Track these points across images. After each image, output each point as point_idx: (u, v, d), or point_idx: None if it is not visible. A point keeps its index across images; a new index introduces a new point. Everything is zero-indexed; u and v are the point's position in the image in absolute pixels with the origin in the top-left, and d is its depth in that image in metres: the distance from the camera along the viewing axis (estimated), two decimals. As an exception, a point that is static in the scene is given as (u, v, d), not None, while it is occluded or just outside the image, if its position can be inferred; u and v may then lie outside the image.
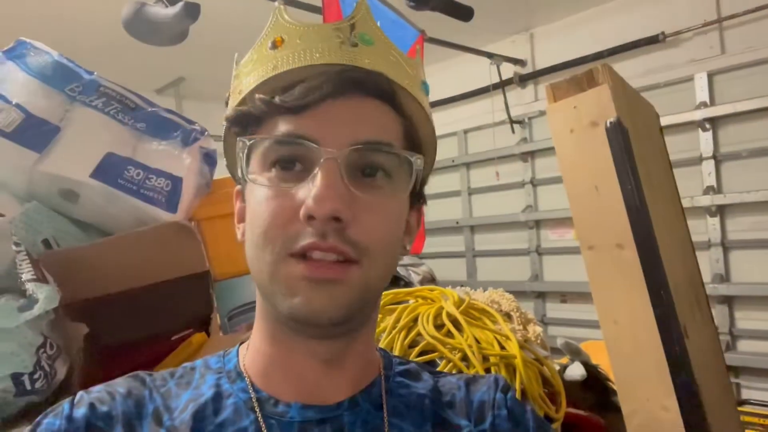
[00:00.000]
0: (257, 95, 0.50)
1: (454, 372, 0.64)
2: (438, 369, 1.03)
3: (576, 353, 1.21)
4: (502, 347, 1.10)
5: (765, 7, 2.46)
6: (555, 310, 3.27)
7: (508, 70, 3.36)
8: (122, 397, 0.50)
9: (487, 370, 1.05)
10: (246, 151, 0.49)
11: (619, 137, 0.94)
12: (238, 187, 0.55)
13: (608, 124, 0.95)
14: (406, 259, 3.03)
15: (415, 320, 1.17)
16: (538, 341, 1.24)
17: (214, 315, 0.83)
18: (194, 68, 3.53)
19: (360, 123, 0.49)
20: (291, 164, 0.48)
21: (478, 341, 1.10)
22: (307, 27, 0.51)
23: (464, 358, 1.06)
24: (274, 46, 0.51)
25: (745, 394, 2.56)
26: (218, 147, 0.75)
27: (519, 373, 1.04)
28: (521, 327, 1.26)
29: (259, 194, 0.48)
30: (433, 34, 2.76)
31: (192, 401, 0.51)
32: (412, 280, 3.29)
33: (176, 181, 0.79)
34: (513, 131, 3.32)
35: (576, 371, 1.17)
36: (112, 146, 0.77)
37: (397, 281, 2.43)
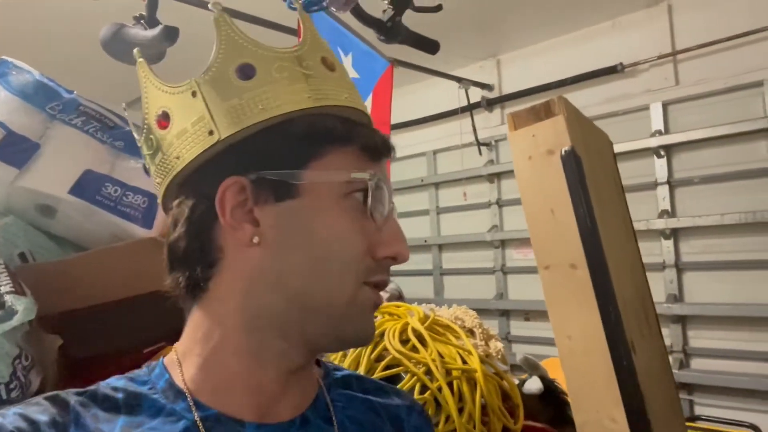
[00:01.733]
0: (359, 128, 0.54)
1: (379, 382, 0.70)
2: (402, 382, 1.08)
3: (534, 368, 1.27)
4: (465, 362, 1.15)
5: (716, 42, 2.62)
6: (519, 327, 3.34)
7: (476, 94, 3.47)
8: (47, 427, 0.45)
9: (450, 384, 1.09)
10: (373, 186, 0.52)
11: (572, 165, 1.01)
12: (237, 178, 0.49)
13: (563, 153, 1.02)
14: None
15: (382, 335, 1.21)
16: (499, 356, 1.30)
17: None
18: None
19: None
20: (364, 202, 0.52)
21: (441, 356, 1.15)
22: (327, 57, 0.56)
23: (428, 371, 1.11)
24: (327, 66, 0.54)
25: (698, 410, 2.66)
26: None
27: (480, 387, 1.09)
28: (483, 342, 1.31)
29: (343, 219, 0.51)
30: (404, 58, 2.85)
31: (130, 429, 0.47)
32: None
33: (152, 198, 0.81)
34: (480, 153, 3.42)
35: (533, 385, 1.22)
36: (90, 164, 0.80)
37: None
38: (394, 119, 3.95)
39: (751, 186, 2.57)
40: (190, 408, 0.49)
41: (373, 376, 1.12)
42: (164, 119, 0.52)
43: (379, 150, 0.55)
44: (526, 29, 3.08)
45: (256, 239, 0.49)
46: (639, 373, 0.98)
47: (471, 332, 1.35)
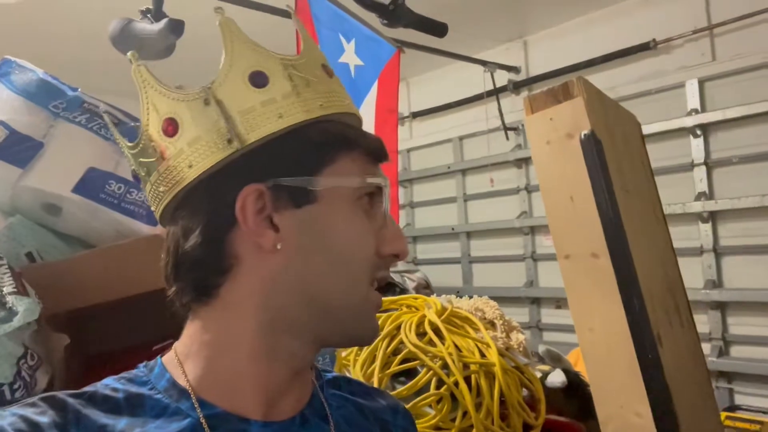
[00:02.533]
0: (362, 134, 0.56)
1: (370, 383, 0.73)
2: (418, 377, 1.06)
3: (557, 360, 1.23)
4: (483, 355, 1.11)
5: (754, 15, 2.48)
6: (550, 315, 3.28)
7: (502, 78, 3.39)
8: (48, 429, 0.44)
9: (467, 378, 1.07)
10: (386, 187, 0.55)
11: (592, 149, 0.96)
12: (257, 185, 0.49)
13: (582, 137, 0.97)
14: (401, 266, 3.05)
15: (398, 328, 1.19)
16: (521, 349, 1.26)
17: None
18: (179, 77, 3.56)
19: None
20: (369, 203, 0.55)
21: (459, 349, 1.12)
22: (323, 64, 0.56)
23: (444, 366, 1.08)
24: (327, 72, 0.56)
25: (738, 399, 2.56)
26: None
27: (498, 381, 1.06)
28: (504, 335, 1.28)
29: (356, 222, 0.53)
30: (427, 42, 2.80)
31: (134, 427, 0.47)
32: (407, 286, 3.31)
33: (157, 195, 0.80)
34: (507, 138, 3.35)
35: (557, 378, 1.18)
36: (94, 161, 0.80)
37: (392, 288, 2.45)
38: (419, 106, 3.91)
39: (795, 165, 2.44)
40: (194, 406, 0.49)
41: (389, 370, 1.10)
42: (171, 126, 0.51)
43: (379, 153, 0.56)
44: (553, 7, 2.98)
45: (279, 245, 0.50)
46: (666, 366, 0.93)
47: (492, 324, 1.32)
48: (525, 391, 1.12)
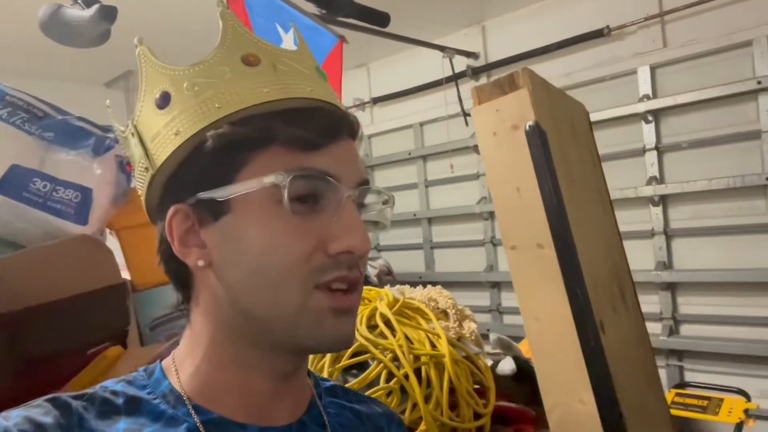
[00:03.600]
0: (275, 122, 0.49)
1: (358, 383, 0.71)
2: (369, 370, 1.05)
3: (508, 348, 1.25)
4: (434, 346, 1.12)
5: (703, 2, 2.54)
6: (510, 299, 3.33)
7: (462, 63, 3.38)
8: (53, 430, 0.45)
9: (417, 370, 1.07)
10: (287, 184, 0.47)
11: (537, 140, 0.97)
12: (179, 205, 0.50)
13: (527, 128, 0.98)
14: (363, 253, 3.04)
15: (350, 321, 1.18)
16: (473, 338, 1.27)
17: (131, 327, 0.82)
18: (143, 62, 3.44)
19: (358, 163, 0.54)
20: (306, 199, 0.49)
21: (410, 341, 1.12)
22: (281, 52, 0.53)
23: (395, 358, 1.08)
24: (249, 63, 0.51)
25: (688, 376, 2.67)
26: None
27: (447, 371, 1.06)
28: (456, 324, 1.28)
29: (273, 225, 0.48)
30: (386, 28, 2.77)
31: (133, 430, 0.47)
32: (369, 273, 3.30)
33: (86, 193, 0.77)
34: (467, 124, 3.35)
35: (506, 366, 1.20)
36: (16, 158, 0.75)
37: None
38: (380, 92, 3.88)
39: (740, 149, 2.52)
40: (190, 413, 0.50)
41: (339, 364, 1.09)
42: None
43: (315, 137, 0.50)
44: (510, -6, 2.98)
45: (200, 262, 0.50)
46: (609, 353, 0.95)
47: (445, 313, 1.32)
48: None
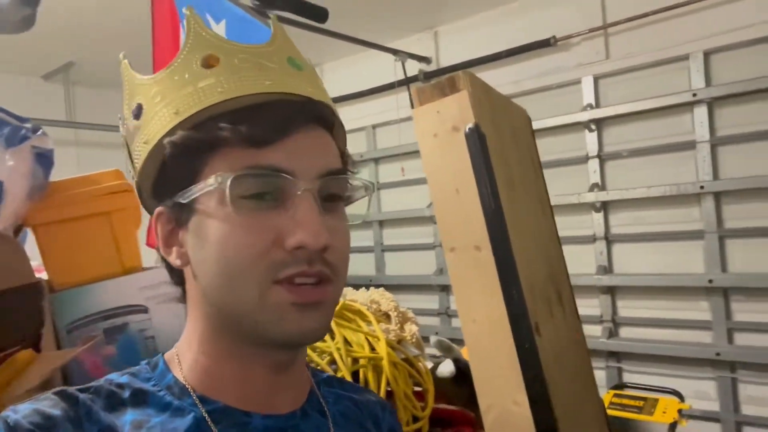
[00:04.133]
0: (221, 124, 0.49)
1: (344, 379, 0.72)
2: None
3: (447, 350, 1.25)
4: (373, 349, 1.11)
5: (645, 16, 2.64)
6: (458, 302, 3.36)
7: (414, 67, 3.40)
8: (63, 423, 0.45)
9: (355, 373, 1.05)
10: (229, 184, 0.48)
11: (477, 142, 0.97)
12: (161, 208, 0.53)
13: (467, 130, 0.98)
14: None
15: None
16: (413, 340, 1.26)
17: (45, 330, 0.77)
18: (85, 52, 3.30)
19: (323, 153, 0.53)
20: (262, 195, 0.49)
21: (349, 344, 1.11)
22: (243, 48, 0.52)
23: (333, 361, 1.06)
24: (208, 65, 0.51)
25: (626, 377, 2.76)
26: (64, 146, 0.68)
27: (385, 374, 1.05)
28: (398, 326, 1.28)
29: (228, 224, 0.49)
30: (338, 29, 2.75)
31: (139, 422, 0.48)
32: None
33: (-5, 187, 0.72)
34: (418, 128, 3.37)
35: (446, 368, 1.20)
36: None
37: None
38: (334, 93, 3.85)
39: (676, 159, 2.63)
40: (195, 403, 0.51)
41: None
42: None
43: (263, 133, 0.49)
44: (462, 0, 3.02)
45: (178, 261, 0.53)
46: (543, 355, 0.97)
47: (387, 316, 1.31)
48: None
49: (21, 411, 0.45)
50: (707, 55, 2.52)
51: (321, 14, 1.07)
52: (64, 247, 0.84)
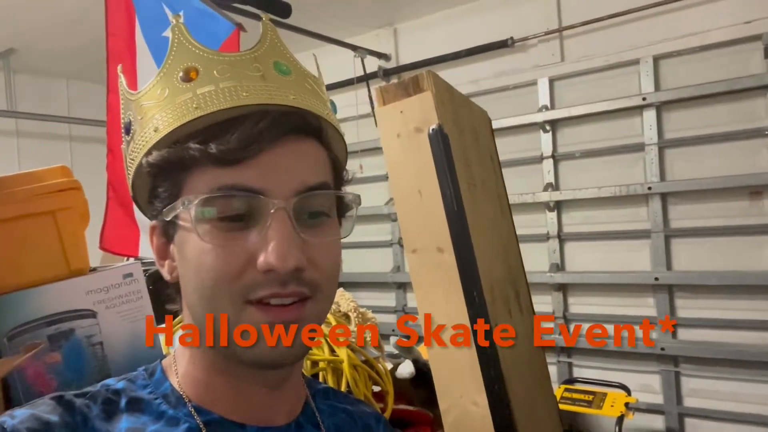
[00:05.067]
0: (191, 144, 0.48)
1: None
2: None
3: (407, 352, 1.24)
4: (333, 351, 1.09)
5: (598, 20, 2.71)
6: (415, 300, 3.38)
7: (373, 64, 3.39)
8: (59, 428, 0.45)
9: (315, 376, 1.04)
10: (193, 209, 0.47)
11: (440, 144, 0.97)
12: (154, 222, 0.54)
13: (430, 131, 0.97)
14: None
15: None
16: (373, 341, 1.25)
17: (-17, 337, 0.72)
18: (27, 38, 3.13)
19: (300, 168, 0.50)
20: (236, 216, 0.48)
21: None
22: (223, 58, 0.50)
23: (292, 364, 1.04)
24: (188, 78, 0.49)
25: (576, 372, 2.84)
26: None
27: (345, 377, 1.04)
28: (358, 327, 1.26)
29: (203, 243, 0.47)
30: (297, 23, 2.70)
31: (135, 431, 0.48)
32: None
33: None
34: (376, 125, 3.36)
35: (405, 369, 1.20)
36: None
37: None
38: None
39: (625, 160, 2.72)
40: (191, 413, 0.50)
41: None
42: None
43: (233, 152, 0.47)
44: (422, -2, 3.02)
45: (167, 275, 0.54)
46: (502, 356, 0.98)
47: (346, 317, 1.30)
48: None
49: (18, 416, 0.45)
50: (657, 60, 2.61)
51: (284, 9, 1.04)
52: (5, 248, 0.79)
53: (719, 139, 2.49)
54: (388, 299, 3.43)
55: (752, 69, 2.40)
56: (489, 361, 0.95)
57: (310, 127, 0.51)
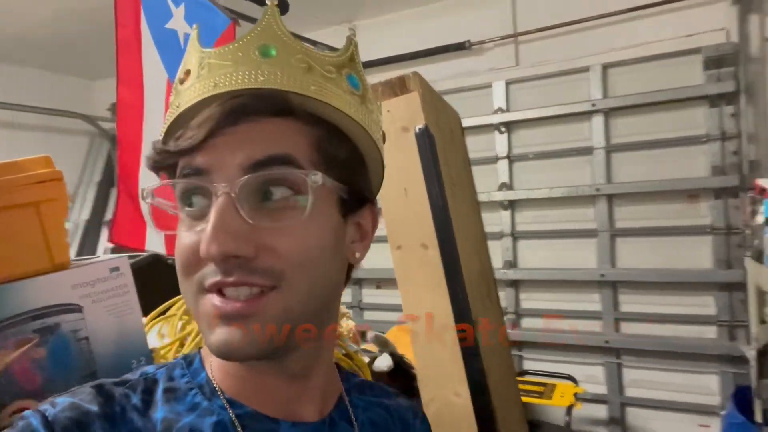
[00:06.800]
0: (164, 144, 0.49)
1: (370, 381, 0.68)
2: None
3: (384, 345, 1.27)
4: (314, 345, 1.10)
5: (552, 28, 2.82)
6: (370, 296, 3.41)
7: (331, 60, 3.38)
8: (98, 419, 0.45)
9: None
10: (148, 198, 0.49)
11: (426, 143, 1.00)
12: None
13: (417, 131, 1.00)
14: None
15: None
16: (351, 335, 1.27)
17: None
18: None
19: (251, 146, 0.45)
20: (195, 201, 0.47)
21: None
22: (210, 53, 0.49)
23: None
24: (181, 80, 0.50)
25: (526, 365, 2.95)
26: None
27: (329, 370, 1.05)
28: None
29: (177, 233, 0.48)
30: (255, 15, 2.66)
31: (170, 421, 0.48)
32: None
33: None
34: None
35: (383, 362, 1.22)
36: None
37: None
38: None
39: (575, 163, 2.85)
40: (224, 406, 0.50)
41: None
42: None
43: (189, 138, 0.46)
44: (382, -4, 3.05)
45: None
46: (481, 349, 1.02)
47: (322, 311, 1.31)
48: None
49: (60, 404, 0.45)
50: (605, 68, 2.75)
51: (282, 6, 1.04)
52: (-10, 239, 0.76)
53: (661, 145, 2.65)
54: (345, 295, 3.38)
55: (692, 80, 2.57)
56: (471, 353, 0.99)
57: (271, 106, 0.47)
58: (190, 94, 0.48)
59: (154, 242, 1.42)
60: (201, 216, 0.46)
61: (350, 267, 0.55)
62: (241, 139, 0.45)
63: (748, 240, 1.76)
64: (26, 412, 0.44)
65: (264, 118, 0.46)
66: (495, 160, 2.98)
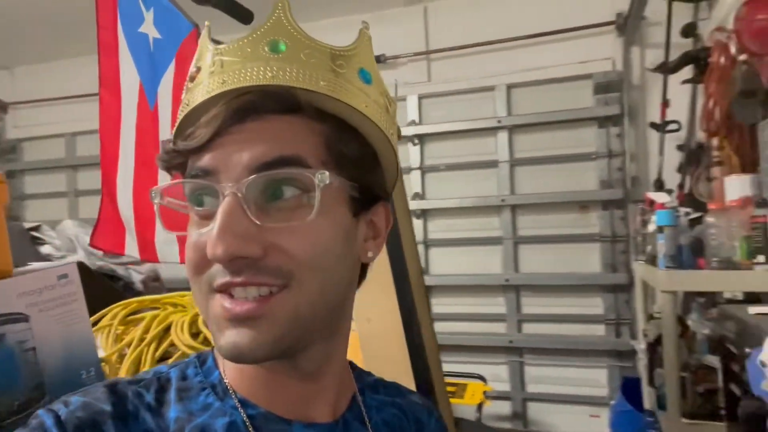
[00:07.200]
0: (174, 145, 0.49)
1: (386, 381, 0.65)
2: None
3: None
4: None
5: (461, 48, 3.00)
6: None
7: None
8: (111, 419, 0.44)
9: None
10: (157, 200, 0.48)
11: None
12: None
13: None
14: (127, 258, 2.75)
15: (168, 329, 1.09)
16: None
17: None
18: None
19: (258, 145, 0.44)
20: (205, 201, 0.46)
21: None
22: (221, 49, 0.47)
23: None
24: (192, 77, 0.49)
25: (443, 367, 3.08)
26: None
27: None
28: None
29: (188, 229, 0.48)
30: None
31: (182, 421, 0.47)
32: (133, 279, 2.99)
33: None
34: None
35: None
36: None
37: (114, 280, 2.19)
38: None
39: (482, 175, 3.04)
40: (236, 406, 0.49)
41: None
42: None
43: (196, 138, 0.46)
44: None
45: None
46: (426, 348, 1.08)
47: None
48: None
49: (73, 403, 0.45)
50: (510, 88, 2.97)
51: (247, 16, 1.03)
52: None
53: (557, 161, 2.91)
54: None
55: (584, 102, 2.85)
56: (417, 353, 1.05)
57: (278, 103, 0.46)
58: (199, 92, 0.47)
59: (132, 247, 1.34)
60: (210, 216, 0.45)
61: (364, 266, 0.54)
62: (249, 138, 0.45)
63: (640, 246, 1.99)
64: (39, 411, 0.44)
65: (272, 116, 0.46)
66: (408, 170, 3.09)
